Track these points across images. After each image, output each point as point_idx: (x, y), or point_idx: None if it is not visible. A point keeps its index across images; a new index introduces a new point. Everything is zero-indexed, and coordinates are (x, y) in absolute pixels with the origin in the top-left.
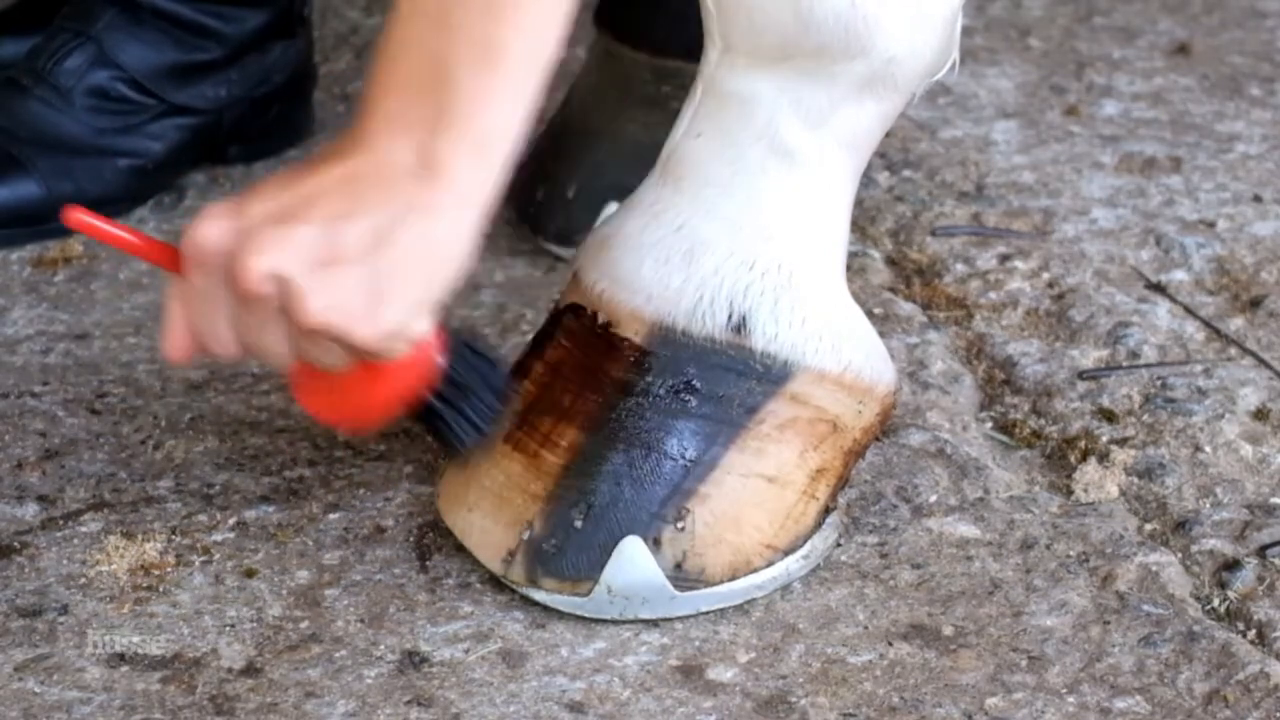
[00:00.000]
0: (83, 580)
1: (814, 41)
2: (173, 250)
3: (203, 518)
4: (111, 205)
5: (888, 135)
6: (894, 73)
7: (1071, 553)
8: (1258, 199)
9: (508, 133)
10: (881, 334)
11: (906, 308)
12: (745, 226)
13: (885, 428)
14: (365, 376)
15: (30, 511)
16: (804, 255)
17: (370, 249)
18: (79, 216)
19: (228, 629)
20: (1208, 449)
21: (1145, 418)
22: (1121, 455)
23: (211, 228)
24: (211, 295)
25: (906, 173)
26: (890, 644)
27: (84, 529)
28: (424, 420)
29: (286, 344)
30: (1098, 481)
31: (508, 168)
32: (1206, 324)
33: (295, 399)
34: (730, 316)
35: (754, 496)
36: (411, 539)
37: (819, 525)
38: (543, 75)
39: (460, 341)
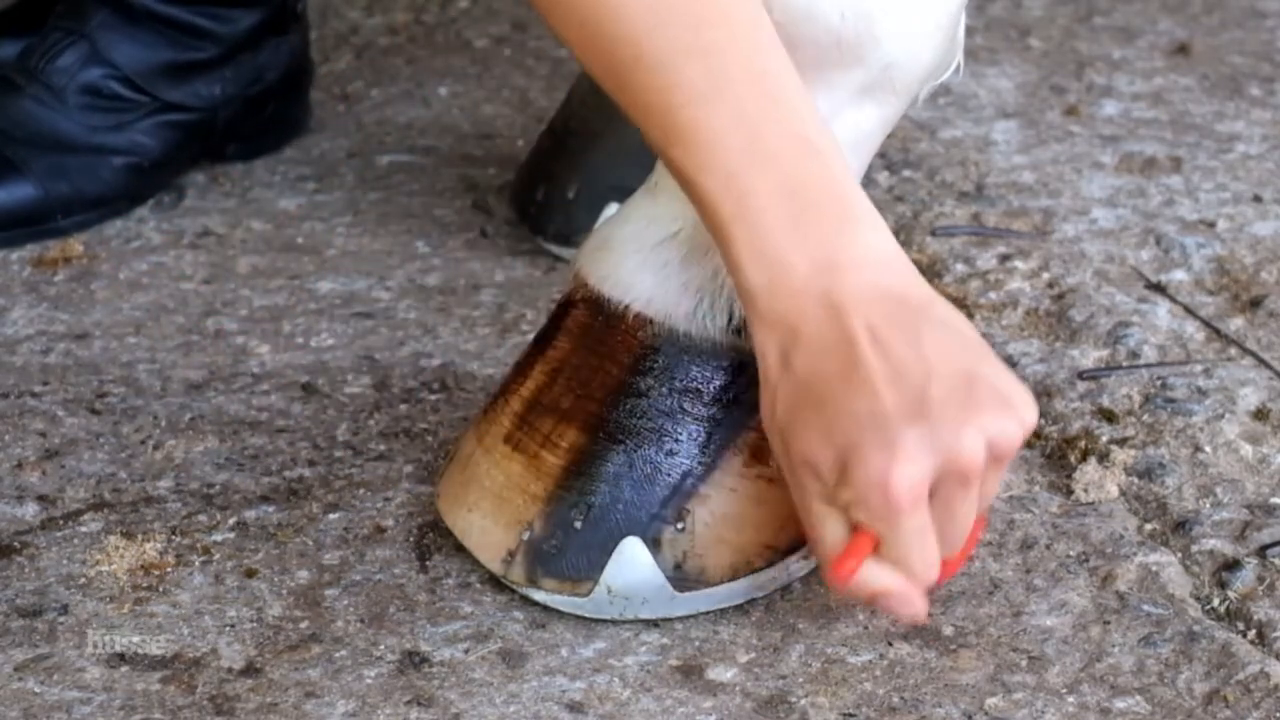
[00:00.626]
0: (83, 580)
1: (808, 55)
2: (866, 537)
3: (203, 518)
4: (110, 204)
5: (888, 135)
6: (893, 78)
7: (1071, 553)
8: (1258, 199)
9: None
10: None
11: None
12: None
13: None
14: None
15: (30, 511)
16: None
17: (962, 389)
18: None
19: (228, 629)
20: (1208, 449)
21: (1145, 418)
22: (1121, 455)
23: (907, 465)
24: (923, 524)
25: (906, 173)
26: (890, 644)
27: (84, 529)
28: None
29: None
30: (1098, 481)
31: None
32: (1206, 324)
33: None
34: (731, 319)
35: (754, 497)
36: (411, 539)
37: None
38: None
39: None
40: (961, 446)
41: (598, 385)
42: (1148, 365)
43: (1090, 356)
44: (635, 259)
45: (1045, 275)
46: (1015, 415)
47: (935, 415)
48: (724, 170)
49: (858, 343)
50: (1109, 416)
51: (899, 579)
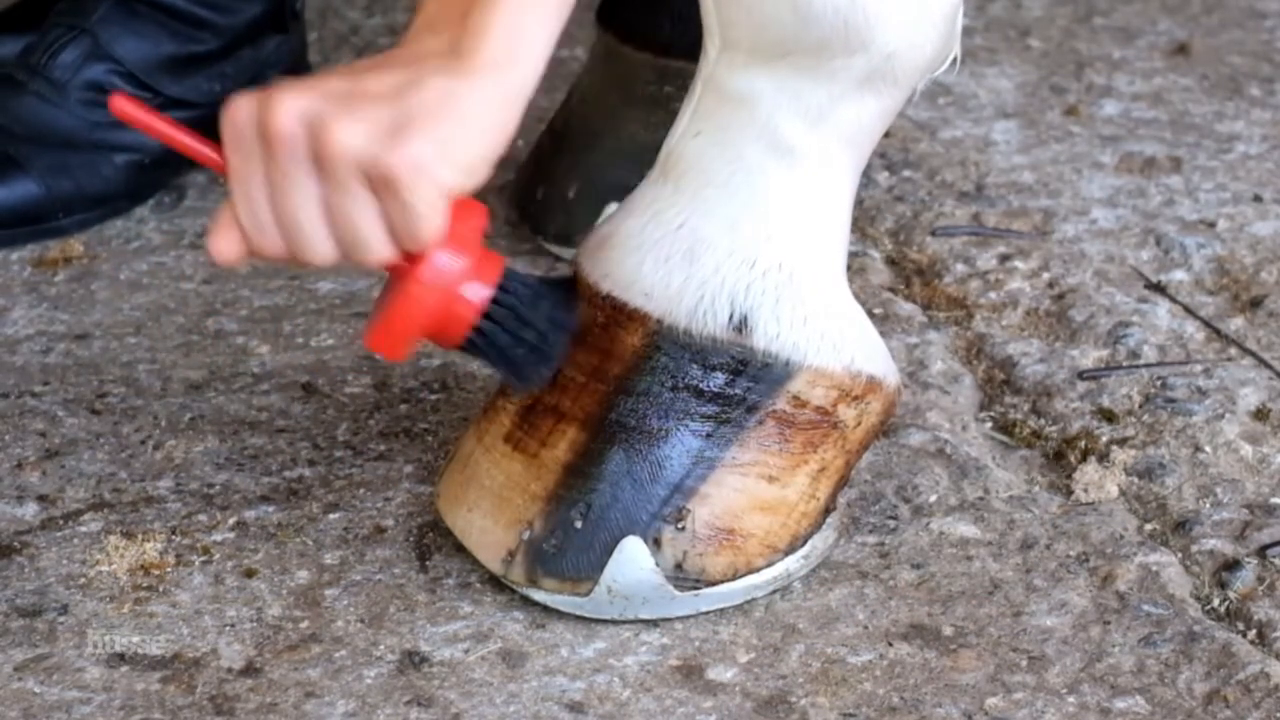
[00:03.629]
0: (83, 580)
1: (813, 37)
2: (214, 147)
3: (203, 518)
4: (111, 203)
5: (887, 135)
6: (894, 68)
7: (1071, 553)
8: (1258, 199)
9: (532, 38)
10: (881, 334)
11: (906, 308)
12: (745, 225)
13: (886, 428)
14: (406, 286)
15: (30, 511)
16: (805, 254)
17: (395, 93)
18: (122, 104)
19: (228, 629)
20: (1208, 449)
21: (1145, 418)
22: (1121, 455)
23: (241, 101)
24: (249, 174)
25: (906, 173)
26: (890, 644)
27: (84, 529)
28: (477, 352)
29: (318, 210)
30: (1098, 481)
31: (534, 76)
32: (1206, 324)
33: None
34: (731, 316)
35: (754, 496)
36: (411, 539)
37: (819, 525)
38: None
39: (511, 271)
40: (276, 104)
41: (598, 384)
42: (1148, 365)
43: (1090, 356)
44: (636, 256)
45: (1045, 275)
46: (376, 138)
47: (300, 86)
48: None
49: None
50: (1109, 416)
51: (229, 216)
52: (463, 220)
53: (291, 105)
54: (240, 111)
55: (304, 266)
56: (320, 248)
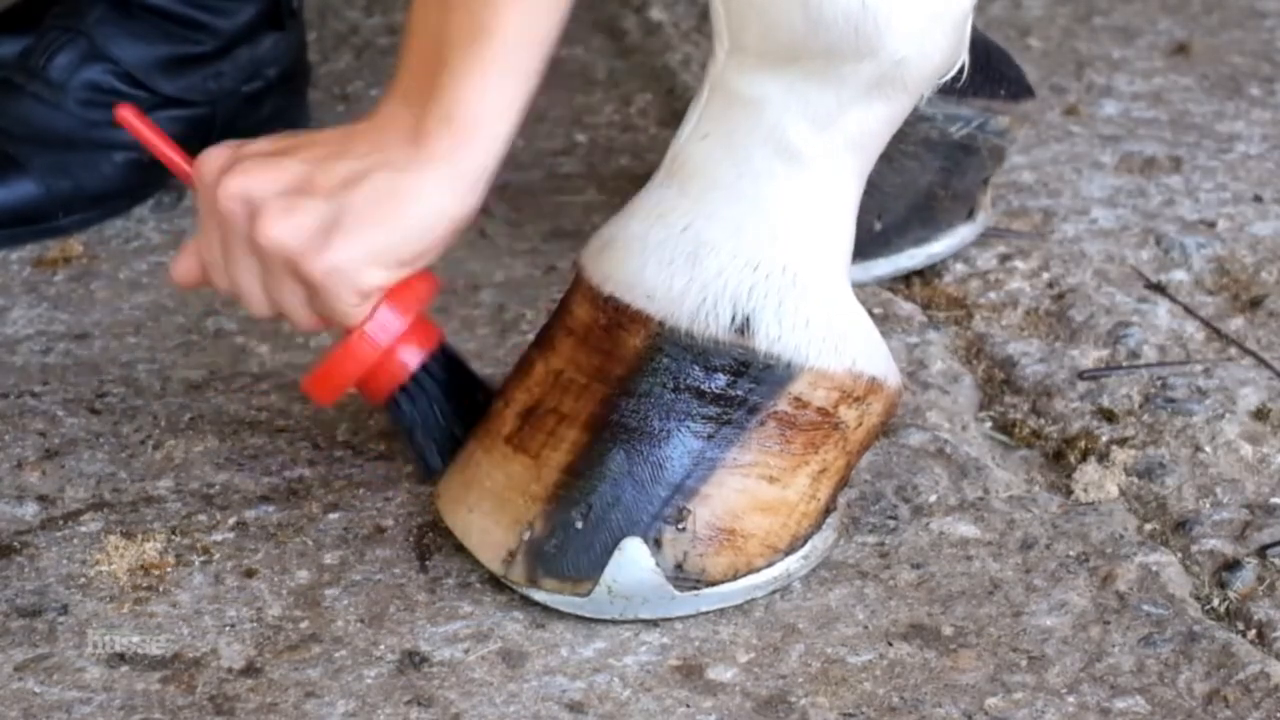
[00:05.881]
0: (83, 580)
1: (823, 42)
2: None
3: (203, 518)
4: (111, 201)
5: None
6: (903, 75)
7: (1071, 553)
8: (1258, 199)
9: (498, 112)
10: (882, 334)
11: (906, 308)
12: (750, 228)
13: (886, 428)
14: (337, 349)
15: (30, 511)
16: (808, 256)
17: (338, 189)
18: (127, 115)
19: (228, 629)
20: (1208, 449)
21: (1145, 418)
22: (1121, 455)
23: (214, 153)
24: (209, 221)
25: None
26: (890, 644)
27: (84, 529)
28: (396, 423)
29: (257, 278)
30: (1098, 481)
31: (499, 149)
32: (1206, 324)
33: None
34: (734, 318)
35: (755, 497)
36: (411, 539)
37: (819, 525)
38: (539, 58)
39: (447, 353)
40: (227, 179)
41: (600, 385)
42: (1148, 365)
43: (1090, 356)
44: (639, 258)
45: (1045, 275)
46: (303, 239)
47: (261, 158)
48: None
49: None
50: (1109, 416)
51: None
52: (415, 286)
53: (238, 187)
54: (207, 165)
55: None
56: (258, 307)
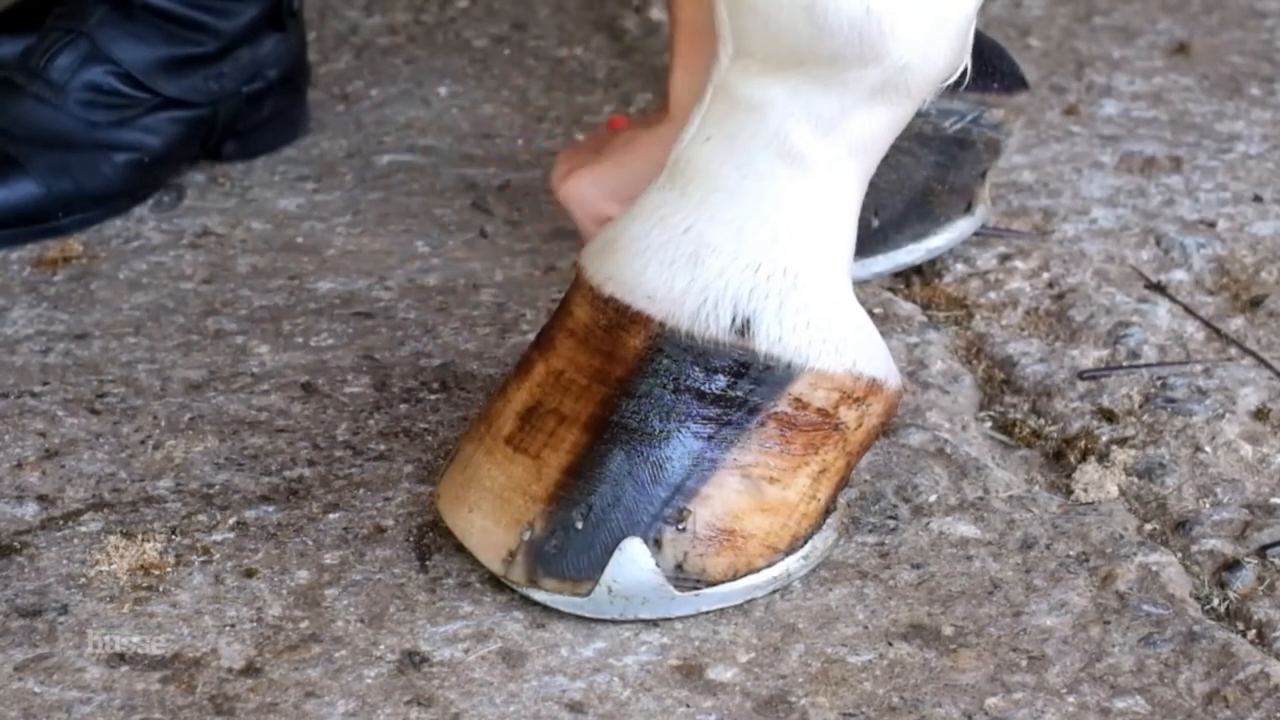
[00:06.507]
0: (83, 580)
1: (828, 47)
2: None
3: (203, 518)
4: (111, 201)
5: None
6: (907, 80)
7: (1071, 553)
8: (1258, 199)
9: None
10: (881, 334)
11: (906, 308)
12: (751, 230)
13: (886, 429)
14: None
15: (30, 511)
16: (810, 259)
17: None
18: None
19: (228, 629)
20: (1208, 449)
21: (1145, 418)
22: (1121, 455)
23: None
24: None
25: None
26: (890, 644)
27: (84, 529)
28: None
29: None
30: (1097, 481)
31: None
32: (1206, 324)
33: None
34: (734, 319)
35: (755, 497)
36: (411, 539)
37: (819, 526)
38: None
39: None
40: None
41: (600, 386)
42: (1148, 365)
43: (1090, 356)
44: (641, 259)
45: (1045, 275)
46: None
47: None
48: None
49: None
50: (1109, 416)
51: None
52: None
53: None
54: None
55: None
56: None
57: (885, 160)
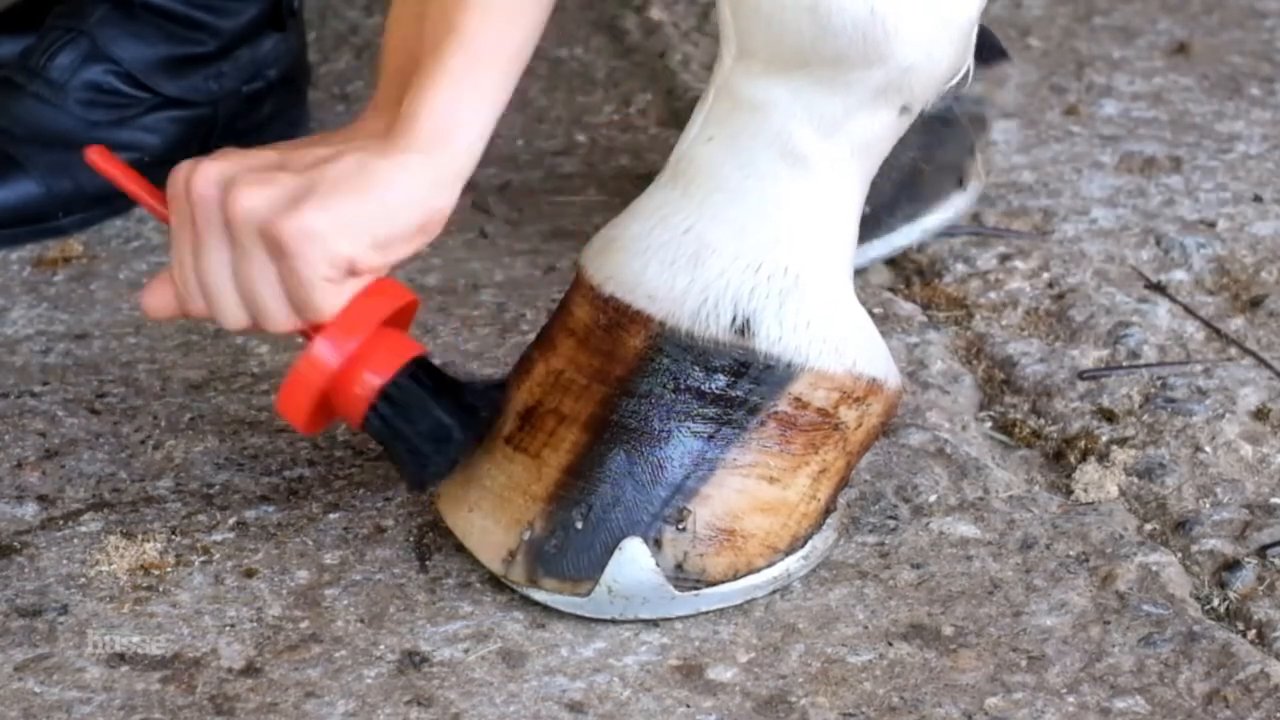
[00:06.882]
0: (83, 580)
1: (832, 49)
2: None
3: (203, 518)
4: (110, 202)
5: None
6: (910, 81)
7: (1071, 553)
8: (1258, 199)
9: (472, 115)
10: (881, 334)
11: (906, 308)
12: (752, 230)
13: (886, 429)
14: (305, 361)
15: (30, 511)
16: (811, 259)
17: (310, 167)
18: (96, 157)
19: (228, 629)
20: (1208, 449)
21: (1145, 418)
22: (1121, 455)
23: (183, 164)
24: (181, 234)
25: None
26: (890, 644)
27: (84, 529)
28: (377, 439)
29: (229, 275)
30: (1097, 481)
31: (475, 147)
32: (1206, 324)
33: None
34: (734, 319)
35: (755, 497)
36: (411, 539)
37: (819, 526)
38: (514, 63)
39: (421, 366)
40: (202, 167)
41: (600, 386)
42: (1148, 365)
43: (1090, 356)
44: (641, 259)
45: (1045, 275)
46: (274, 204)
47: (238, 156)
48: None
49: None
50: (1109, 416)
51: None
52: (376, 301)
53: (212, 170)
54: (178, 174)
55: (226, 328)
56: (232, 312)
57: None
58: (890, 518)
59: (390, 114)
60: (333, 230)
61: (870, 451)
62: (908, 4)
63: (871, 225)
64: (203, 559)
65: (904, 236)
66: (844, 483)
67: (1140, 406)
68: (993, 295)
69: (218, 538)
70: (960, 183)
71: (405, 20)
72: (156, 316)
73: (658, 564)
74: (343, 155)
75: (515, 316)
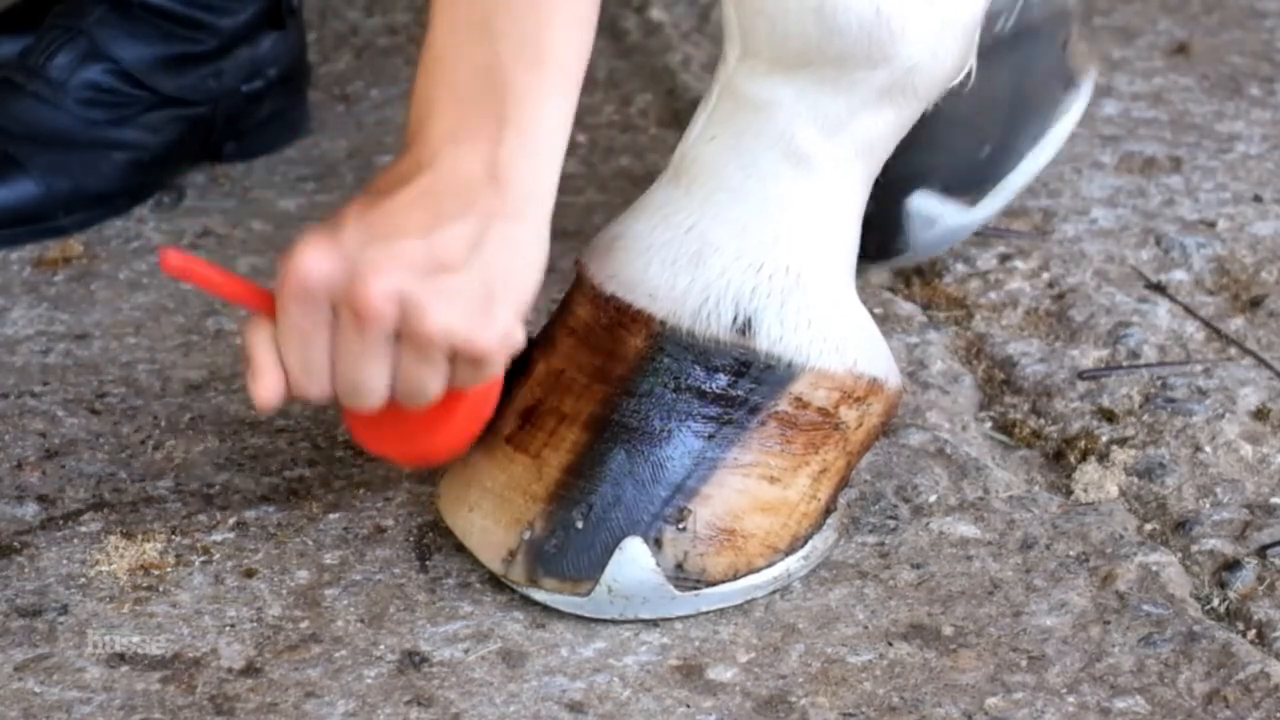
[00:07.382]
0: (83, 580)
1: (836, 49)
2: (264, 293)
3: (203, 518)
4: (111, 201)
5: None
6: (915, 81)
7: (1071, 553)
8: (1258, 199)
9: (562, 130)
10: (882, 334)
11: (906, 308)
12: (754, 230)
13: (887, 429)
14: (445, 407)
15: (30, 511)
16: (813, 259)
17: (470, 256)
18: (174, 260)
19: (228, 629)
20: (1208, 449)
21: (1145, 418)
22: (1121, 455)
23: (314, 258)
24: (312, 330)
25: None
26: (890, 644)
27: (84, 529)
28: None
29: (388, 373)
30: (1097, 481)
31: (561, 163)
32: (1206, 324)
33: (361, 441)
34: (735, 318)
35: (756, 497)
36: (411, 539)
37: (820, 525)
38: (584, 70)
39: None
40: (369, 281)
41: (601, 385)
42: (1148, 365)
43: (1090, 356)
44: (643, 258)
45: (1045, 275)
46: (470, 318)
47: (377, 246)
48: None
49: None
50: (1109, 416)
51: (272, 360)
52: None
53: (385, 284)
54: (313, 271)
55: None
56: (375, 398)
57: (957, 96)
58: (890, 518)
59: (477, 142)
60: (516, 321)
61: (870, 451)
62: (913, 4)
63: (999, 162)
64: (203, 559)
65: (1034, 160)
66: (844, 483)
67: (1140, 406)
68: (993, 295)
69: (218, 538)
70: (1069, 83)
71: (463, 29)
72: (269, 406)
73: (658, 564)
74: (487, 233)
75: None
